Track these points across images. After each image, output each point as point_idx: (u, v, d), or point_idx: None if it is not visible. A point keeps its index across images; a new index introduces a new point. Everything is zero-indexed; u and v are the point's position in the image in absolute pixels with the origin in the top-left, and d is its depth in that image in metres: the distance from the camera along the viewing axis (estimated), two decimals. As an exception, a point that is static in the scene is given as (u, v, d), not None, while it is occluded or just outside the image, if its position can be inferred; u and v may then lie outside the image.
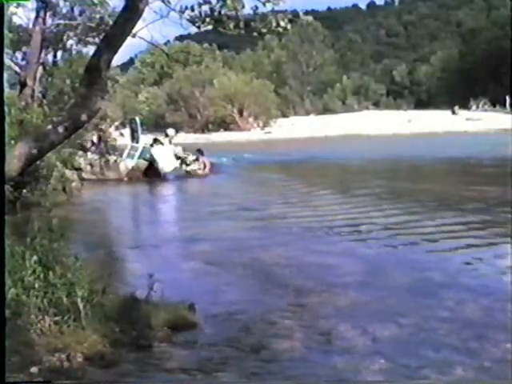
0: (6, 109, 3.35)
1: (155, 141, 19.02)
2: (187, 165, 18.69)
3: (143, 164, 18.18)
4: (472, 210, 10.64)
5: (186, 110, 54.16)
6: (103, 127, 18.45)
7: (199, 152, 19.30)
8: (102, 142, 18.11)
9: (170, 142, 19.21)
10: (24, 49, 15.11)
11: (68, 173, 12.95)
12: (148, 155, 18.22)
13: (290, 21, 4.95)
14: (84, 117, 3.87)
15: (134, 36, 8.24)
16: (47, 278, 4.17)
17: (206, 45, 65.80)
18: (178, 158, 18.63)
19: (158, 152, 18.21)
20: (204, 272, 6.80)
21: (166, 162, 18.12)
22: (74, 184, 13.30)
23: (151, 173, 17.81)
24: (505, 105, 53.85)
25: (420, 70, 77.99)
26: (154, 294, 4.70)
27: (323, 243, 8.17)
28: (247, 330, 4.72)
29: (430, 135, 37.21)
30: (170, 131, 19.99)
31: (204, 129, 52.07)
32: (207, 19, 4.84)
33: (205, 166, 19.00)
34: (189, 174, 18.52)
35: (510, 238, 7.85)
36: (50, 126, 3.99)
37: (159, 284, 4.77)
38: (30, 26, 14.23)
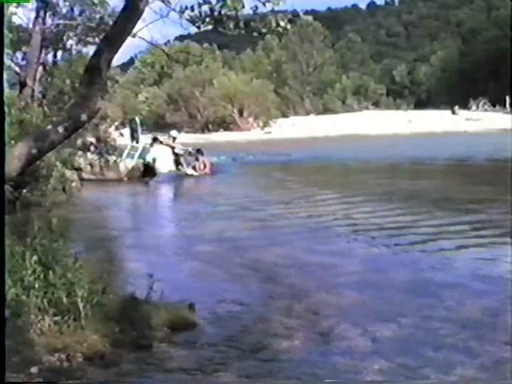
0: (6, 109, 3.35)
1: (155, 140, 19.06)
2: (183, 165, 18.69)
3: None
4: (472, 209, 10.64)
5: (186, 110, 54.21)
6: (103, 127, 18.46)
7: (199, 152, 19.32)
8: (102, 142, 18.10)
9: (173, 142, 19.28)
10: (24, 49, 15.10)
11: (68, 173, 12.94)
12: (147, 155, 18.25)
13: (290, 21, 4.94)
14: (84, 117, 3.87)
15: (134, 36, 8.23)
16: (47, 278, 4.18)
17: (206, 45, 65.83)
18: (176, 155, 18.64)
19: (156, 151, 18.27)
20: (204, 272, 6.80)
21: (163, 162, 18.16)
22: (73, 184, 13.29)
23: (148, 172, 17.82)
24: (505, 105, 53.91)
25: (420, 70, 78.09)
26: (154, 293, 4.70)
27: (323, 243, 8.16)
28: (247, 330, 4.72)
29: (430, 135, 37.21)
30: (174, 133, 20.16)
31: (204, 129, 52.12)
32: (207, 19, 4.83)
33: (205, 166, 19.02)
34: (188, 175, 18.53)
35: (510, 237, 7.85)
36: (49, 126, 3.99)
37: (159, 284, 4.77)
38: (30, 25, 14.24)
